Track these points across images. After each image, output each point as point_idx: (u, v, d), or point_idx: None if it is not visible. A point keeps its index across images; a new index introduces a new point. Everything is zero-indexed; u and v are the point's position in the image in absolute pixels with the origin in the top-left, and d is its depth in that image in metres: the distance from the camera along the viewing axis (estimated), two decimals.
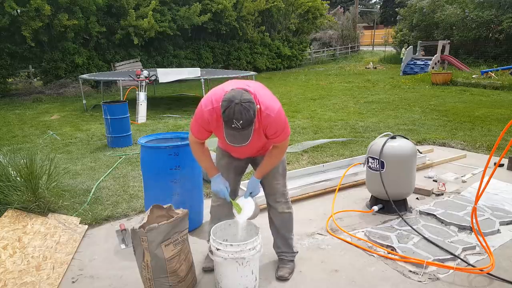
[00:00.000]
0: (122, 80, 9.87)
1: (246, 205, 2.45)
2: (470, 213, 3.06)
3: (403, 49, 19.36)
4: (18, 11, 11.64)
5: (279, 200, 2.57)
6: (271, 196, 2.58)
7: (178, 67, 15.44)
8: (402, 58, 19.03)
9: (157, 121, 8.30)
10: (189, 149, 3.09)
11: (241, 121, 1.91)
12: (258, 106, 2.05)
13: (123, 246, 3.04)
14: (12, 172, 3.40)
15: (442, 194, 3.95)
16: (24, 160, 3.37)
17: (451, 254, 2.75)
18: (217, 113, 2.07)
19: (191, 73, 10.01)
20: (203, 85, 9.54)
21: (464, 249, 2.84)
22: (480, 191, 2.54)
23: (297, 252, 2.75)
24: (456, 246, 2.87)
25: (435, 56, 17.45)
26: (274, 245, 2.73)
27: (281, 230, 2.64)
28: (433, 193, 3.95)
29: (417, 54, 18.85)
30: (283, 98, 11.27)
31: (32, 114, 9.56)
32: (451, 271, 2.60)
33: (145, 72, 9.30)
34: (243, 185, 3.18)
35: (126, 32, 14.94)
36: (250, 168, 2.71)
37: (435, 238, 2.99)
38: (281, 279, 2.57)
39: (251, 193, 2.47)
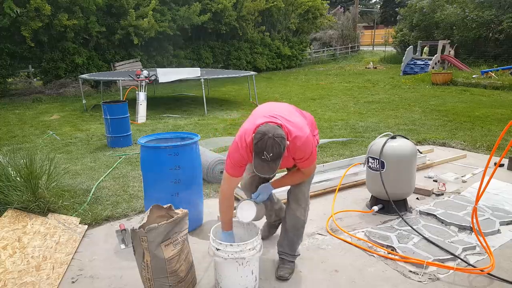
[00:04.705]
0: (122, 80, 9.84)
1: (249, 208, 2.46)
2: (470, 213, 3.06)
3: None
4: (18, 11, 11.57)
5: (301, 204, 2.55)
6: (294, 196, 2.56)
7: (178, 67, 15.41)
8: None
9: (157, 121, 8.29)
10: (189, 149, 3.13)
11: (271, 154, 2.04)
12: (288, 139, 2.16)
13: (123, 246, 3.03)
14: (12, 172, 3.39)
15: (442, 194, 3.94)
16: (24, 160, 3.37)
17: (451, 254, 2.75)
18: (250, 147, 2.18)
19: (191, 73, 9.98)
20: (203, 85, 9.52)
21: (464, 249, 2.84)
22: (481, 191, 2.54)
23: (299, 255, 2.72)
24: (456, 246, 2.87)
25: (435, 56, 17.44)
26: (278, 243, 2.69)
27: (291, 232, 2.60)
28: (433, 193, 3.95)
29: (417, 54, 18.82)
30: (283, 98, 11.27)
31: (32, 114, 9.54)
32: (451, 271, 2.60)
33: (145, 72, 9.28)
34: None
35: (126, 32, 14.91)
36: None
37: (435, 238, 2.99)
38: (281, 279, 2.57)
39: (258, 195, 2.50)
